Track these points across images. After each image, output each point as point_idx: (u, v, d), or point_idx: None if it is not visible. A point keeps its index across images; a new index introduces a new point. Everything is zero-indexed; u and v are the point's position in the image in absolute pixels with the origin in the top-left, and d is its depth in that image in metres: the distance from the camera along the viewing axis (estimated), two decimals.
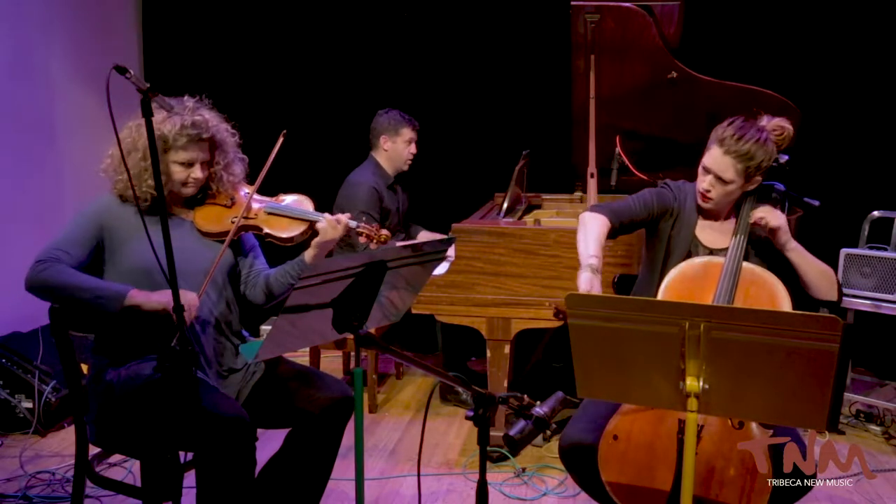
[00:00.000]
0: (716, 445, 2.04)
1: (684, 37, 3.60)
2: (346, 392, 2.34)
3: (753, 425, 2.04)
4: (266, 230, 2.37)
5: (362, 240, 2.37)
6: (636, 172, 3.87)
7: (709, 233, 2.43)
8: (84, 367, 2.73)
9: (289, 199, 2.46)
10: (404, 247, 1.91)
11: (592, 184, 3.41)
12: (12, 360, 3.48)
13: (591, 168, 3.41)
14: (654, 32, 3.37)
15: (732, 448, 2.01)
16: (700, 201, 2.38)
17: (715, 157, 2.29)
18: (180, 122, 2.24)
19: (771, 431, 2.03)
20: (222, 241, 2.32)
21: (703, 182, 2.34)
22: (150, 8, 4.93)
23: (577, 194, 4.26)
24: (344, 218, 2.37)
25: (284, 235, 2.36)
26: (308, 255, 2.38)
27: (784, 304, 2.13)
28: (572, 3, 3.30)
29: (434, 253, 2.01)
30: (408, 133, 3.95)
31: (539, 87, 4.55)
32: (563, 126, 3.96)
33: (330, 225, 2.33)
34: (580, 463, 2.25)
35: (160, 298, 2.13)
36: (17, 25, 3.95)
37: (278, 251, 2.47)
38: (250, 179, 2.50)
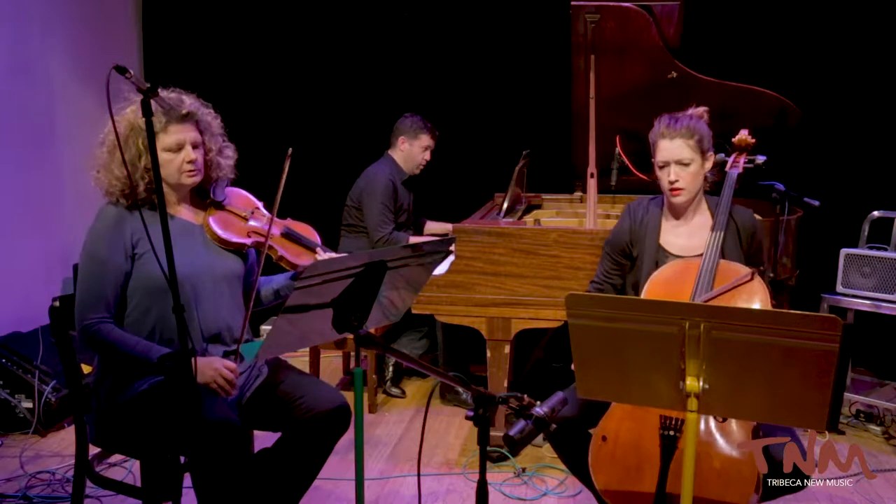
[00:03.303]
0: (699, 438, 2.04)
1: (684, 37, 3.59)
2: (342, 402, 2.29)
3: (733, 420, 2.06)
4: (281, 253, 2.41)
5: None
6: (636, 172, 3.86)
7: (675, 239, 2.47)
8: (84, 367, 2.72)
9: (299, 227, 2.53)
10: (404, 247, 1.92)
11: (592, 184, 3.41)
12: (12, 360, 3.48)
13: (592, 168, 3.41)
14: (654, 32, 3.37)
15: (715, 441, 2.03)
16: (672, 198, 2.44)
17: (666, 148, 2.41)
18: (155, 106, 2.07)
19: (753, 424, 2.05)
20: (232, 251, 2.33)
21: (670, 175, 2.40)
22: (150, 8, 4.93)
23: (577, 194, 4.27)
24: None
25: (296, 262, 2.42)
26: None
27: (759, 295, 2.14)
28: (572, 3, 3.30)
29: (434, 253, 2.01)
30: (426, 139, 4.08)
31: (539, 87, 4.55)
32: (563, 126, 3.96)
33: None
34: (563, 436, 2.29)
35: (203, 370, 2.09)
36: (16, 25, 3.95)
37: None
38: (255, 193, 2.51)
